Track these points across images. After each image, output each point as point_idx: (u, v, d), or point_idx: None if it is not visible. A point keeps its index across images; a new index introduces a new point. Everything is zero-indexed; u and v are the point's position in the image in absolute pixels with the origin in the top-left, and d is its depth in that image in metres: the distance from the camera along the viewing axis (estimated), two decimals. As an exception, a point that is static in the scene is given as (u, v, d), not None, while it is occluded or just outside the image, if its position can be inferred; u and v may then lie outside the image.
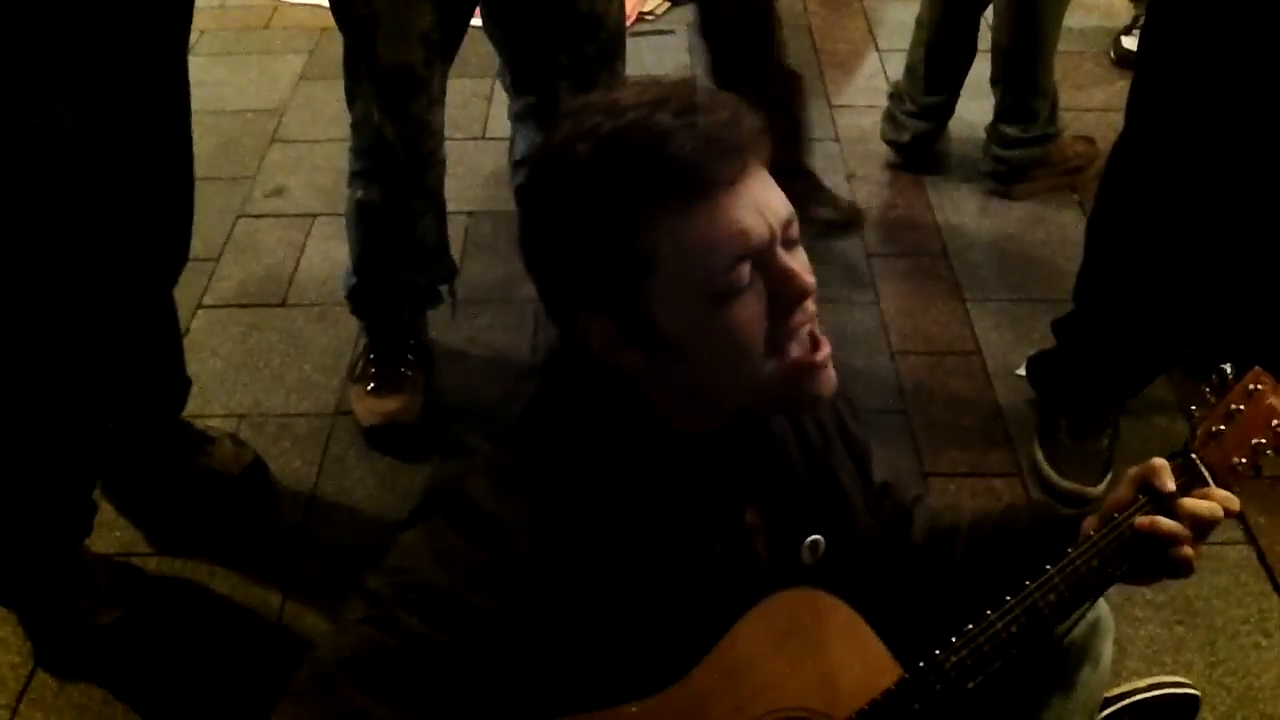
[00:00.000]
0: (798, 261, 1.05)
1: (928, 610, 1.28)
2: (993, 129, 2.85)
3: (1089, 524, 1.18)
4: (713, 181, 1.00)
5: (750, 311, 1.03)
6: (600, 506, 1.07)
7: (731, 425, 1.14)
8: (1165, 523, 1.14)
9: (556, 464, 1.07)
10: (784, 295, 1.04)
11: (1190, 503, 1.15)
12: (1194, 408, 1.25)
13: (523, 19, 2.08)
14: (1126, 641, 1.85)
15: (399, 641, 1.01)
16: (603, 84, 2.15)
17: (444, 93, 2.09)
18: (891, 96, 2.96)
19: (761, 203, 1.02)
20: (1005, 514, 1.31)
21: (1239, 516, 2.06)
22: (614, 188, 1.00)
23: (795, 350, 1.05)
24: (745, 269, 1.01)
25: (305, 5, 3.74)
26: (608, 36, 2.10)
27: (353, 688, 1.00)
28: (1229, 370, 1.26)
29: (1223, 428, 1.22)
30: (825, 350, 1.07)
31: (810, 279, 1.05)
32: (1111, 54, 3.37)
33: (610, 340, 1.06)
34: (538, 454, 1.08)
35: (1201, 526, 1.15)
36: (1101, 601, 1.31)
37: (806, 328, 1.06)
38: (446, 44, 2.03)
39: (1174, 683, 1.73)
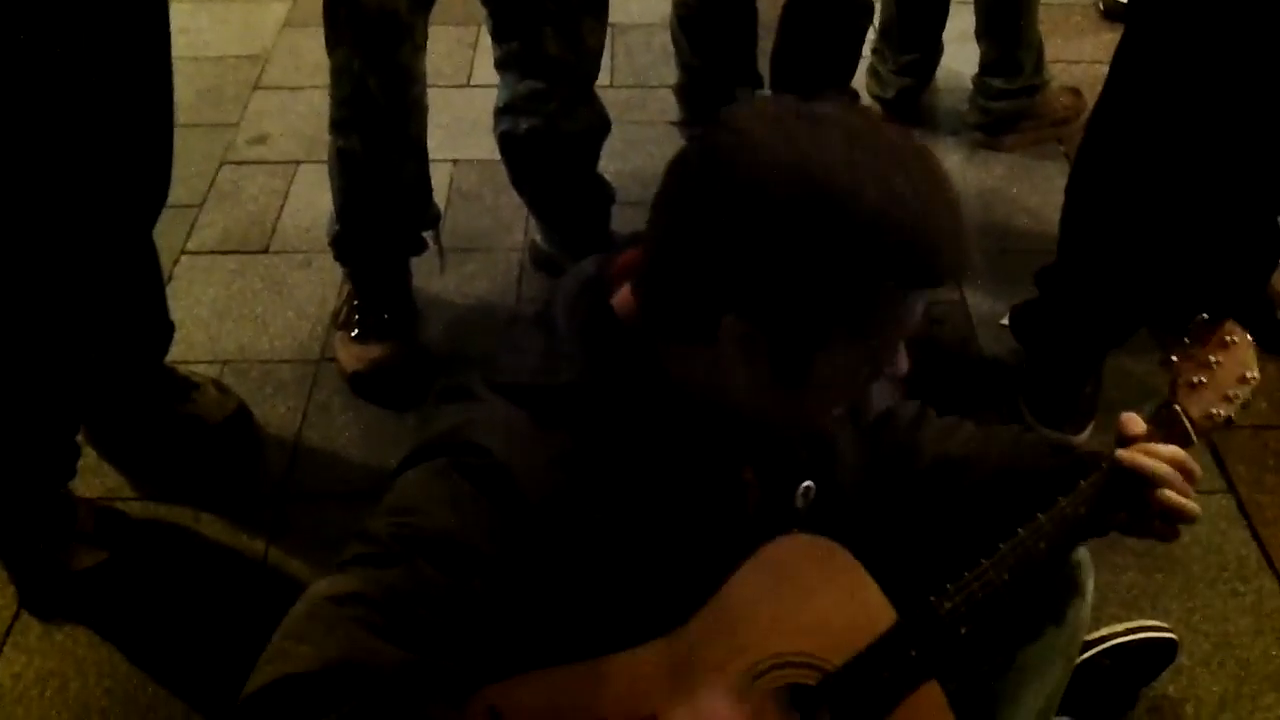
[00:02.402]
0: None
1: (932, 538, 1.30)
2: (979, 80, 2.85)
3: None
4: (950, 277, 1.03)
5: (870, 385, 1.13)
6: (612, 464, 1.07)
7: None
8: (1143, 459, 1.17)
9: (572, 423, 1.06)
10: (888, 374, 1.11)
11: (1164, 448, 1.19)
12: (1173, 358, 1.27)
13: None
14: (1106, 588, 1.86)
15: (401, 582, 1.00)
16: (588, 32, 2.14)
17: (426, 38, 2.07)
18: (874, 53, 2.95)
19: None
20: (1017, 450, 1.33)
21: (1219, 465, 2.09)
22: (903, 265, 0.98)
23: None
24: None
25: (288, -49, 3.71)
26: None
27: (354, 624, 0.98)
28: (1205, 320, 1.27)
29: (1201, 379, 1.24)
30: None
31: (907, 364, 1.10)
32: (1100, 6, 3.35)
33: (750, 345, 1.03)
34: (555, 415, 1.07)
35: (1182, 471, 1.18)
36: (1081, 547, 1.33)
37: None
38: None
39: (1152, 626, 1.75)
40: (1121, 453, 1.19)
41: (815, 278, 0.98)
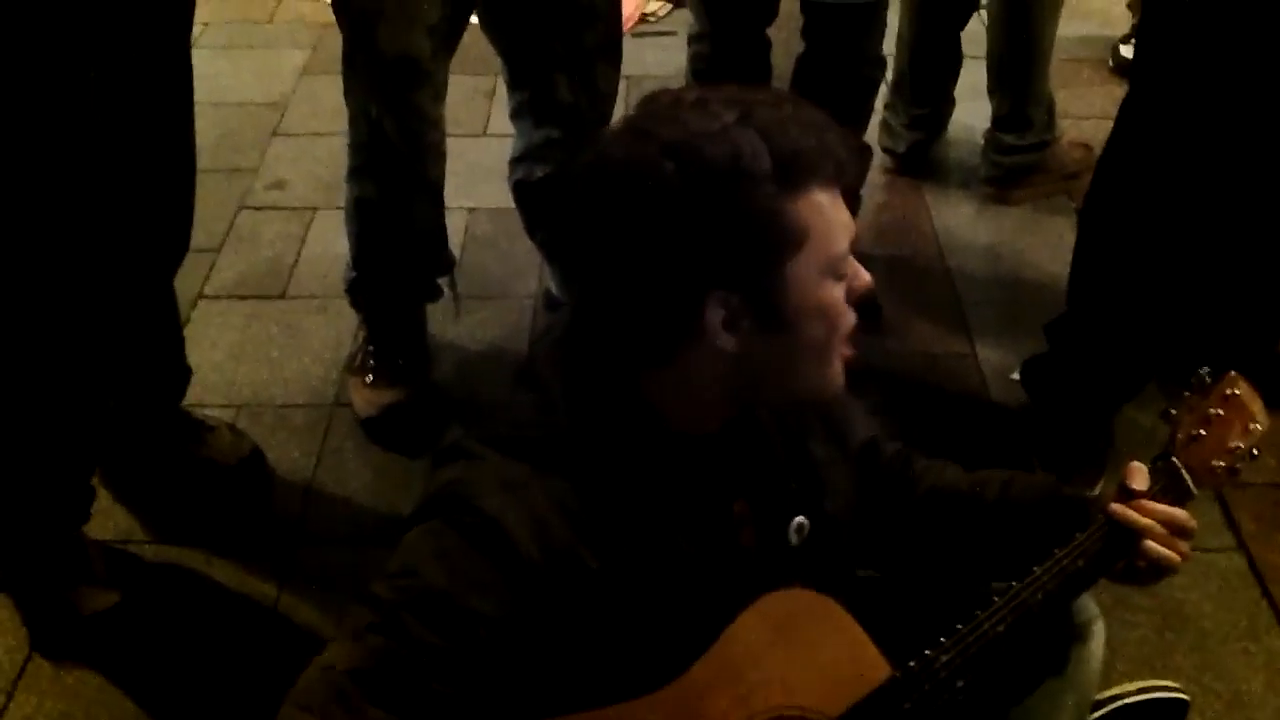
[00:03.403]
0: None
1: (918, 573, 1.31)
2: (990, 135, 2.87)
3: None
4: (846, 175, 1.10)
5: (842, 296, 1.12)
6: (605, 513, 1.09)
7: (733, 416, 1.17)
8: (1134, 515, 1.20)
9: (565, 470, 1.09)
10: (854, 289, 1.13)
11: (1156, 505, 1.21)
12: (1173, 411, 1.28)
13: (519, 10, 2.08)
14: (1117, 645, 1.85)
15: (407, 650, 1.02)
16: (600, 77, 2.16)
17: (445, 85, 2.10)
18: (886, 106, 2.98)
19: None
20: (1010, 486, 1.34)
21: (1229, 523, 2.08)
22: (783, 169, 1.05)
23: (850, 346, 1.15)
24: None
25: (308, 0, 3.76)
26: (605, 27, 2.11)
27: (364, 700, 1.00)
28: (1206, 374, 1.29)
29: (1202, 432, 1.25)
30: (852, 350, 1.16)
31: (869, 276, 1.14)
32: (1110, 62, 3.38)
33: (731, 315, 1.08)
34: (549, 467, 1.09)
35: (1174, 528, 1.21)
36: (1090, 600, 1.33)
37: (853, 322, 1.15)
38: (451, 35, 2.03)
39: (1163, 686, 1.74)
40: (1114, 506, 1.21)
41: (729, 212, 1.04)
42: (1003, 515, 1.31)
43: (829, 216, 1.08)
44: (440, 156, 2.17)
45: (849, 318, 1.13)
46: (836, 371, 1.15)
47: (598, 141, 1.14)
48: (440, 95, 2.08)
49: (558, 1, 2.04)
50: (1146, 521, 1.20)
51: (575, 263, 1.18)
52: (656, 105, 1.10)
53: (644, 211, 1.06)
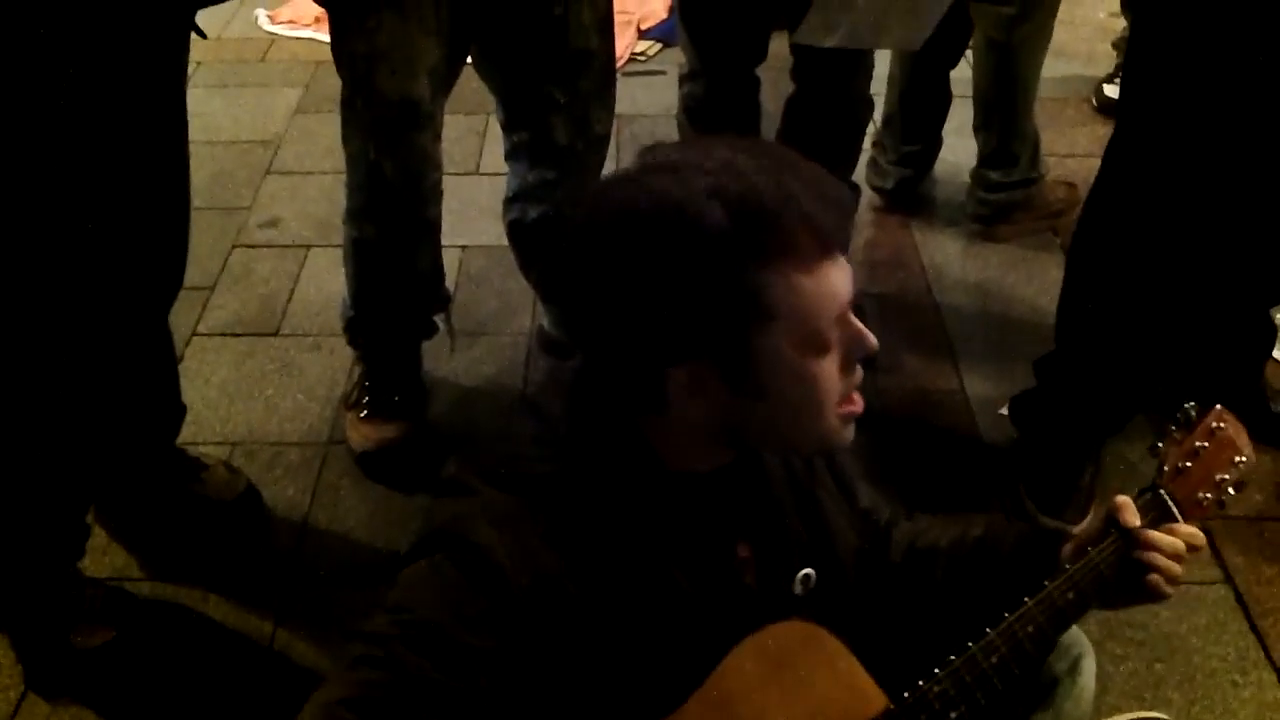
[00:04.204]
0: (863, 324, 1.12)
1: (910, 629, 1.32)
2: (976, 173, 2.91)
3: (1065, 553, 1.25)
4: (834, 244, 1.07)
5: (834, 364, 1.10)
6: (602, 550, 1.10)
7: (732, 459, 1.18)
8: (1155, 557, 1.20)
9: (562, 510, 1.10)
10: (854, 352, 1.11)
11: (1157, 536, 1.21)
12: (1160, 444, 1.30)
13: (515, 55, 2.10)
14: (1106, 678, 1.87)
15: (402, 682, 1.03)
16: (596, 120, 2.19)
17: (442, 125, 2.12)
18: (875, 144, 3.02)
19: (845, 266, 1.10)
20: (986, 535, 1.34)
21: (1216, 556, 2.10)
22: (748, 246, 1.03)
23: (853, 402, 1.13)
24: (836, 325, 1.09)
25: (301, 39, 3.80)
26: (599, 70, 2.13)
27: None
28: (1192, 408, 1.31)
29: (1188, 464, 1.27)
30: (861, 403, 1.14)
31: (875, 340, 1.12)
32: (1094, 101, 3.43)
33: (699, 381, 1.08)
34: (543, 500, 1.10)
35: (1180, 557, 1.22)
36: (1080, 633, 1.35)
37: (859, 380, 1.14)
38: (449, 76, 2.06)
39: (1152, 718, 1.75)
40: (1142, 555, 1.20)
41: (695, 286, 1.04)
42: (981, 562, 1.32)
43: (805, 290, 1.06)
44: (439, 196, 2.19)
45: (838, 384, 1.11)
46: (834, 427, 1.13)
47: (595, 190, 1.15)
48: (438, 135, 2.10)
49: (554, 47, 2.06)
50: (1164, 562, 1.20)
51: (565, 314, 1.19)
52: (645, 162, 1.10)
53: (605, 275, 1.08)
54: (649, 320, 1.07)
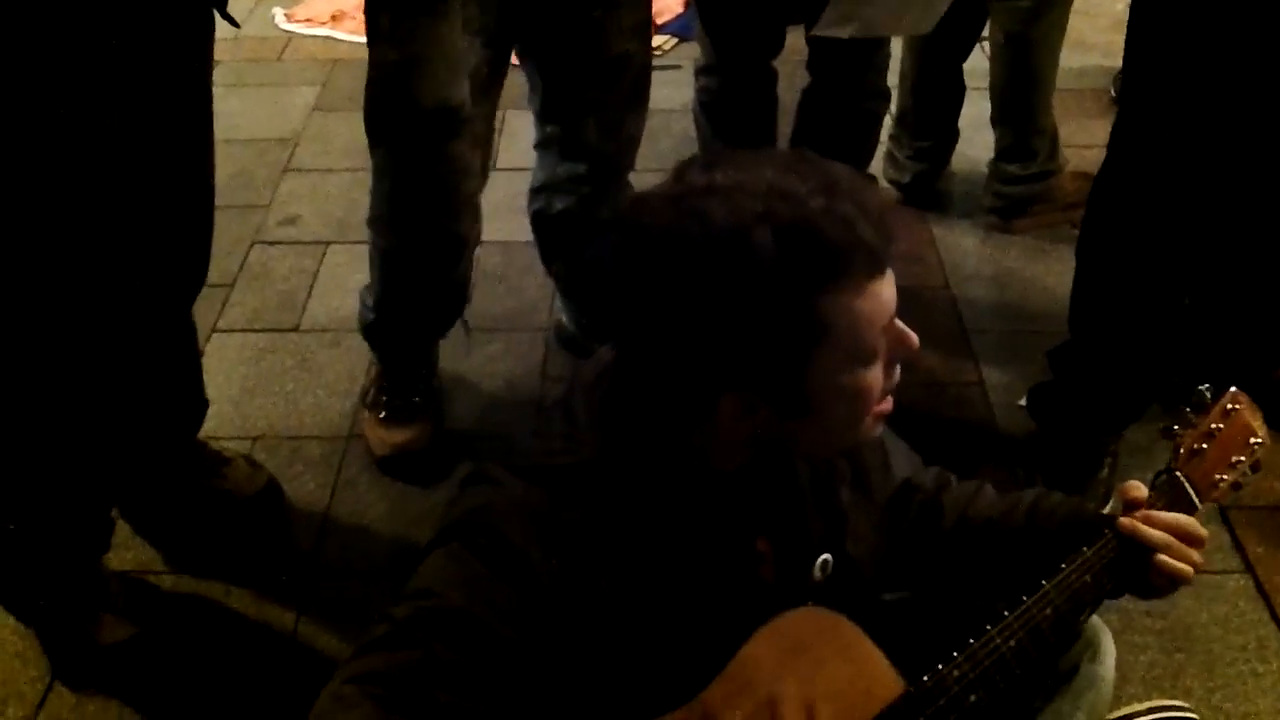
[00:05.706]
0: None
1: (930, 611, 1.33)
2: (994, 166, 2.91)
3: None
4: (884, 261, 1.07)
5: (879, 370, 1.11)
6: (624, 541, 1.11)
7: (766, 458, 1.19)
8: (1143, 528, 1.22)
9: (587, 499, 1.11)
10: (898, 354, 1.12)
11: (1164, 515, 1.23)
12: (1175, 428, 1.30)
13: (554, 56, 2.08)
14: (1126, 667, 1.87)
15: (421, 664, 1.04)
16: (629, 123, 2.17)
17: (490, 132, 2.06)
18: (891, 138, 3.01)
19: (891, 275, 1.09)
20: (1037, 509, 1.35)
21: (1236, 546, 2.10)
22: (802, 274, 1.03)
23: (886, 402, 1.15)
24: (883, 334, 1.10)
25: (317, 38, 3.81)
26: (636, 74, 2.12)
27: (376, 708, 1.02)
28: (1207, 391, 1.31)
29: (1204, 446, 1.28)
30: (892, 403, 1.16)
31: (916, 339, 1.12)
32: (1111, 92, 3.42)
33: (749, 405, 1.09)
34: (568, 492, 1.11)
35: (1184, 537, 1.22)
36: (1100, 622, 1.35)
37: (897, 380, 1.14)
38: (492, 80, 2.01)
39: (1172, 706, 1.76)
40: (1123, 521, 1.23)
41: (748, 313, 1.03)
42: (1029, 540, 1.33)
43: (858, 311, 1.06)
44: (474, 209, 2.11)
45: (880, 388, 1.12)
46: (868, 427, 1.15)
47: (635, 208, 1.10)
48: (480, 141, 2.03)
49: (592, 50, 2.04)
50: (1156, 534, 1.22)
51: (608, 323, 1.17)
52: (689, 182, 1.07)
53: (658, 305, 1.07)
54: (702, 351, 1.06)
